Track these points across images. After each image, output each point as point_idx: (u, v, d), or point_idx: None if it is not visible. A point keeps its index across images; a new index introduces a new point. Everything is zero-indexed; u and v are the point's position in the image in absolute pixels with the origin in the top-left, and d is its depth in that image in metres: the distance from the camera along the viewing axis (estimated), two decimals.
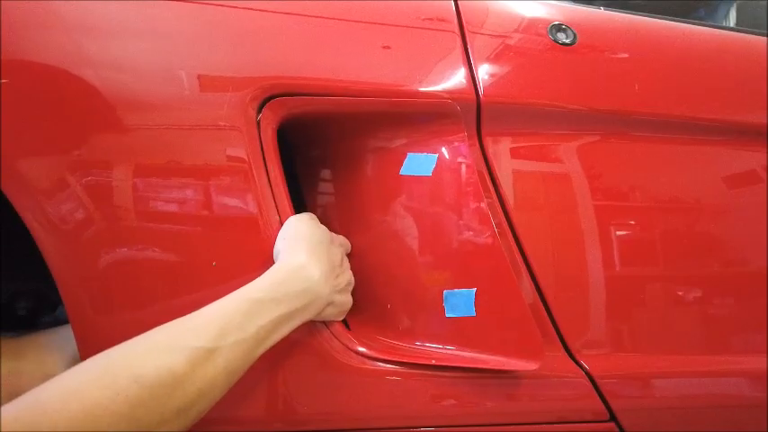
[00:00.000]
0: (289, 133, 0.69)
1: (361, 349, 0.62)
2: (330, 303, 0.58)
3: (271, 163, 0.61)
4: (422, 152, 0.67)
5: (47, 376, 0.42)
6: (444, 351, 0.65)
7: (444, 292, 0.64)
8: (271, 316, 0.51)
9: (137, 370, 0.41)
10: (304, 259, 0.56)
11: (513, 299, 0.63)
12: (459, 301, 0.64)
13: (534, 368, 0.61)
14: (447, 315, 0.64)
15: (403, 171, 0.67)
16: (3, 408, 0.37)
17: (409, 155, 0.67)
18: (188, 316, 0.48)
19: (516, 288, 0.63)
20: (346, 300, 0.62)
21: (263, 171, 0.60)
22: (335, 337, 0.62)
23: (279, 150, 0.63)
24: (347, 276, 0.63)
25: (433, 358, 0.63)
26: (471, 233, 0.64)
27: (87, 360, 0.43)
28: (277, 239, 0.59)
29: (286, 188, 0.62)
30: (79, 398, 0.39)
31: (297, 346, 0.60)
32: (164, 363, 0.42)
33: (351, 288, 0.64)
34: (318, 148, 0.75)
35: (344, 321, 0.66)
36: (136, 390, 0.40)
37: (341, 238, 0.68)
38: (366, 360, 0.62)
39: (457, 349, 0.65)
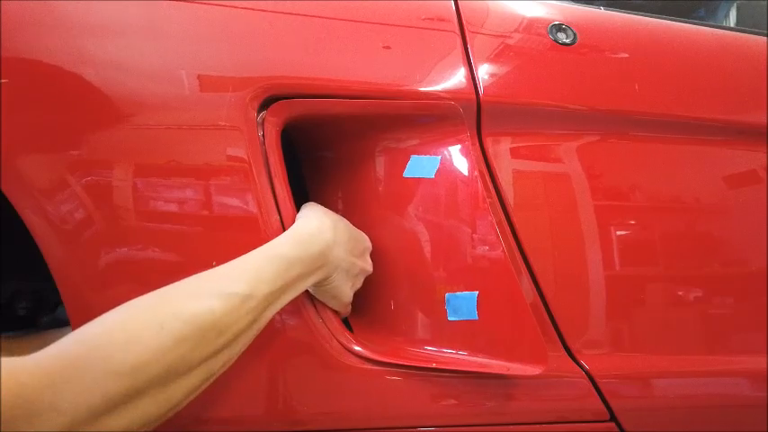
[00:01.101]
0: (293, 134, 0.69)
1: (358, 349, 0.62)
2: (340, 273, 0.60)
3: (273, 163, 0.61)
4: (425, 154, 0.67)
5: None
6: (445, 354, 0.65)
7: (446, 294, 0.64)
8: (295, 273, 0.53)
9: (179, 309, 0.43)
10: (322, 223, 0.59)
11: (516, 302, 0.63)
12: (462, 305, 0.63)
13: (537, 373, 0.60)
14: (449, 318, 0.64)
15: (406, 173, 0.67)
16: (49, 347, 0.38)
17: (412, 157, 0.67)
18: (222, 266, 0.50)
19: (519, 291, 0.63)
20: (352, 287, 0.63)
21: (263, 171, 0.60)
22: (335, 337, 0.62)
23: (283, 152, 0.63)
24: (362, 264, 0.64)
25: (434, 361, 0.63)
26: (473, 236, 0.64)
27: (126, 303, 0.44)
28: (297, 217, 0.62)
29: (288, 189, 0.62)
30: (123, 331, 0.41)
31: (297, 346, 0.60)
32: (204, 304, 0.44)
33: (362, 277, 0.65)
34: (323, 150, 0.75)
35: (347, 322, 0.66)
36: (179, 326, 0.42)
37: (362, 233, 0.68)
38: (366, 360, 0.62)
39: (458, 352, 0.65)
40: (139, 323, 0.41)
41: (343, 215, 0.66)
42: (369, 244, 0.67)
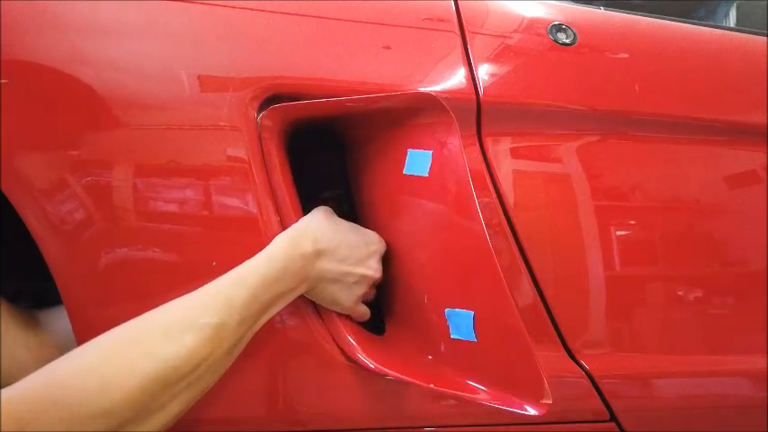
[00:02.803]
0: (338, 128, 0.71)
1: (356, 357, 0.61)
2: (328, 284, 0.58)
3: (273, 165, 0.60)
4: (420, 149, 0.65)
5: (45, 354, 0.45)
6: (445, 373, 0.62)
7: (446, 310, 0.61)
8: (271, 293, 0.52)
9: (151, 349, 0.43)
10: (303, 233, 0.57)
11: (513, 331, 0.58)
12: (461, 323, 0.61)
13: (535, 414, 0.56)
14: (451, 336, 0.61)
15: (406, 170, 0.64)
16: (19, 383, 0.38)
17: (409, 151, 0.64)
18: (194, 293, 0.49)
19: (517, 320, 0.57)
20: (350, 294, 0.61)
21: (264, 172, 0.60)
22: (335, 340, 0.62)
23: (289, 152, 0.63)
24: (362, 271, 0.61)
25: (432, 381, 0.60)
26: (469, 251, 0.60)
27: (99, 339, 0.44)
28: None
29: (291, 190, 0.62)
30: (96, 374, 0.41)
31: (297, 346, 0.60)
32: (176, 341, 0.44)
33: (366, 286, 0.62)
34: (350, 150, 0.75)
35: (379, 323, 0.65)
36: (152, 367, 0.42)
37: (373, 234, 0.66)
38: (362, 368, 0.61)
39: (458, 372, 0.62)
40: (113, 366, 0.42)
41: (360, 213, 0.66)
42: (377, 247, 0.64)
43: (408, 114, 0.64)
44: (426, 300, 0.64)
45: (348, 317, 0.63)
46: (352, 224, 0.64)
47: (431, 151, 0.62)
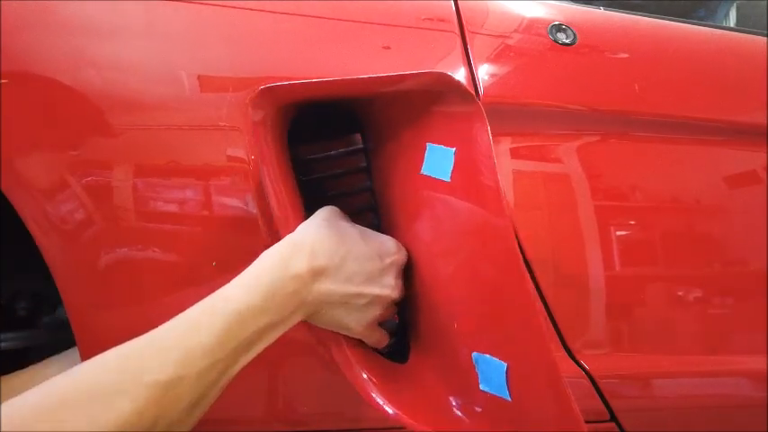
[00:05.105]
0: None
1: (376, 398, 0.52)
2: (332, 308, 0.48)
3: (269, 162, 0.54)
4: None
5: None
6: (470, 425, 0.52)
7: (474, 354, 0.49)
8: (254, 327, 0.43)
9: (94, 417, 0.36)
10: (297, 248, 0.47)
11: (556, 395, 0.47)
12: (492, 374, 0.48)
13: None
14: (480, 387, 0.49)
15: (424, 169, 0.52)
16: None
17: (429, 146, 0.52)
18: (148, 336, 0.40)
19: (560, 382, 0.46)
20: (362, 318, 0.50)
21: (262, 171, 0.58)
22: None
23: (287, 148, 0.57)
24: (376, 291, 0.50)
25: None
26: (499, 287, 0.48)
27: (38, 396, 0.37)
28: None
29: (288, 187, 0.56)
30: None
31: (297, 346, 0.60)
32: (113, 404, 0.36)
33: (381, 307, 0.51)
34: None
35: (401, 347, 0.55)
36: None
37: (390, 243, 0.53)
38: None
39: (487, 427, 0.51)
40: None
41: (382, 215, 0.57)
42: (394, 259, 0.52)
43: (426, 100, 0.52)
44: (453, 333, 0.52)
45: (361, 342, 0.54)
46: (363, 230, 0.53)
47: (453, 149, 0.50)
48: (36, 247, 0.54)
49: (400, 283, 0.52)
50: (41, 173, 0.54)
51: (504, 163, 0.68)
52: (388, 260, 0.52)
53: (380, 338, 0.54)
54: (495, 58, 0.69)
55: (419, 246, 0.55)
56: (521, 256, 0.44)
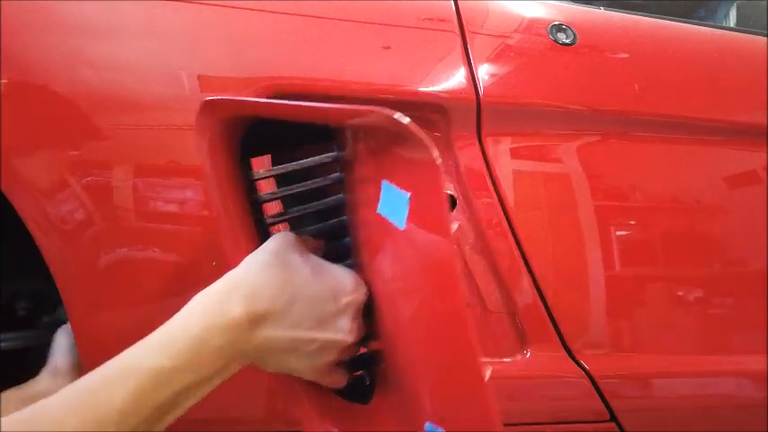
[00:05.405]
0: None
1: None
2: (278, 354, 0.42)
3: (214, 179, 0.47)
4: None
5: None
6: None
7: (426, 425, 0.42)
8: (175, 388, 0.37)
9: None
10: (232, 291, 0.41)
11: None
12: None
13: None
14: None
15: (380, 209, 0.45)
16: None
17: (384, 183, 0.44)
18: (63, 395, 0.36)
19: None
20: (314, 364, 0.44)
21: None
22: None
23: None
24: (328, 336, 0.43)
25: None
26: (448, 352, 0.40)
27: None
28: None
29: (237, 210, 0.48)
30: None
31: None
32: None
33: (337, 352, 0.44)
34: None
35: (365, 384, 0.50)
36: None
37: (348, 280, 0.46)
38: None
39: None
40: None
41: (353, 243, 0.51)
42: (351, 298, 0.45)
43: (385, 136, 0.43)
44: (412, 385, 0.45)
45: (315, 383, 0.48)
46: (318, 264, 0.46)
47: (408, 195, 0.42)
48: (36, 247, 0.54)
49: (358, 324, 0.45)
50: (41, 173, 0.54)
51: (504, 163, 0.68)
52: (344, 300, 0.45)
53: (336, 380, 0.47)
54: (495, 58, 0.69)
55: (379, 282, 0.48)
56: (468, 323, 0.36)
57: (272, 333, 0.41)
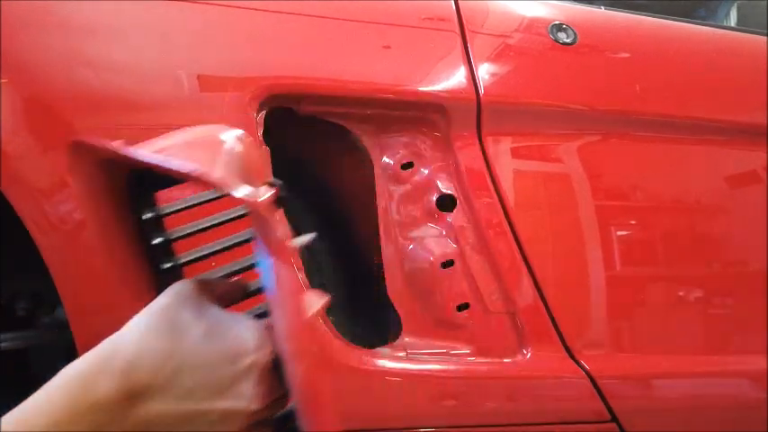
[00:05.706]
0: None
1: None
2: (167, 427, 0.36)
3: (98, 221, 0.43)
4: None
5: None
6: None
7: None
8: None
9: None
10: (96, 366, 0.35)
11: None
12: None
13: None
14: None
15: (258, 263, 0.43)
16: None
17: (253, 235, 0.41)
18: None
19: None
20: None
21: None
22: (336, 338, 0.61)
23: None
24: (228, 405, 0.37)
25: None
26: None
27: None
28: None
29: (124, 260, 0.47)
30: None
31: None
32: None
33: (241, 420, 0.38)
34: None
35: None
36: None
37: (250, 336, 0.39)
38: (366, 360, 0.61)
39: None
40: None
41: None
42: (252, 359, 0.38)
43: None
44: None
45: None
46: (216, 321, 0.39)
47: (271, 260, 0.39)
48: (36, 247, 0.54)
49: (265, 387, 0.39)
50: (41, 173, 0.54)
51: (504, 163, 0.68)
52: (245, 362, 0.38)
53: None
54: (495, 58, 0.69)
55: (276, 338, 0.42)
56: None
57: (155, 408, 0.35)
